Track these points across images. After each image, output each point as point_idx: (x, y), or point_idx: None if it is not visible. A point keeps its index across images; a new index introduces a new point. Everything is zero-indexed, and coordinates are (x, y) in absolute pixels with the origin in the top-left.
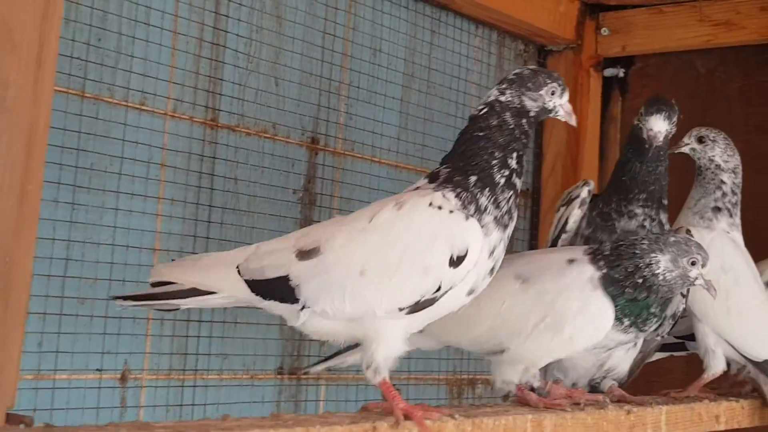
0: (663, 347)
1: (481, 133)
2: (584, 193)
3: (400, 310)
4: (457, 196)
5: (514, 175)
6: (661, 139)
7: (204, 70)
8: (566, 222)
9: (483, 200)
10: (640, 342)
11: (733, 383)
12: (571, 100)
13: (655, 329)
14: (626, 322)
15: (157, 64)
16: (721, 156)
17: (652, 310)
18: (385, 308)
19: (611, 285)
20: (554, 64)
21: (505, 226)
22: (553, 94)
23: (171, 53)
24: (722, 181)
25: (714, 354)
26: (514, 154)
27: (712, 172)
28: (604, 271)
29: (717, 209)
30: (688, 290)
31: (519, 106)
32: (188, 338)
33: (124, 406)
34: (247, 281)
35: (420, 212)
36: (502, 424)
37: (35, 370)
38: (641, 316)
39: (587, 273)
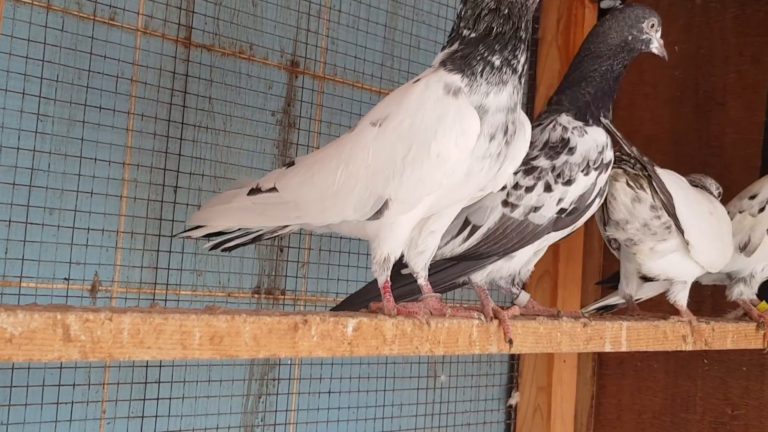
0: None
1: None
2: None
3: None
4: None
5: None
6: None
7: None
8: None
9: None
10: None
11: None
12: (566, 32)
13: (524, 70)
14: (497, 61)
15: None
16: None
17: (521, 33)
18: None
19: (468, 54)
20: None
21: None
22: None
23: None
24: None
25: None
26: None
27: None
28: (458, 54)
29: None
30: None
31: None
32: (160, 252)
33: None
34: None
35: None
36: (446, 327)
37: (0, 276)
38: (510, 44)
39: (435, 80)
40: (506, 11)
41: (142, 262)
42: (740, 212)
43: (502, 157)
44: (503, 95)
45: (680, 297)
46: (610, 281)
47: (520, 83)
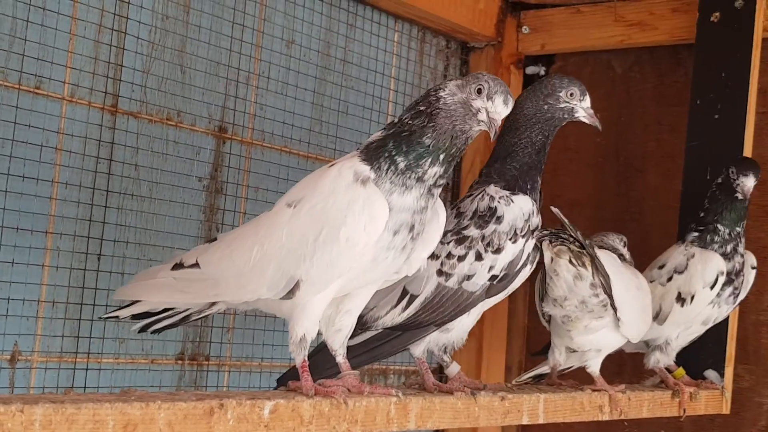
0: None
1: None
2: None
3: None
4: None
5: None
6: None
7: (104, 56)
8: None
9: None
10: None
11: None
12: None
13: (436, 182)
14: (401, 163)
15: (53, 49)
16: None
17: (426, 140)
18: None
19: (380, 147)
20: (476, 60)
21: None
22: None
23: (69, 38)
24: None
25: None
26: None
27: None
28: (374, 144)
29: None
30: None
31: None
32: (81, 321)
33: (12, 387)
34: None
35: None
36: (363, 405)
37: None
38: (414, 150)
39: (347, 167)
40: (423, 107)
41: (63, 331)
42: (651, 282)
43: (408, 249)
44: (407, 198)
45: (594, 365)
46: (543, 351)
47: (431, 192)
